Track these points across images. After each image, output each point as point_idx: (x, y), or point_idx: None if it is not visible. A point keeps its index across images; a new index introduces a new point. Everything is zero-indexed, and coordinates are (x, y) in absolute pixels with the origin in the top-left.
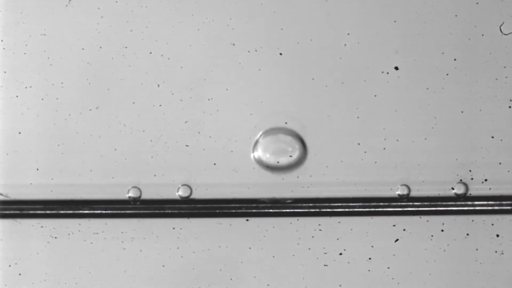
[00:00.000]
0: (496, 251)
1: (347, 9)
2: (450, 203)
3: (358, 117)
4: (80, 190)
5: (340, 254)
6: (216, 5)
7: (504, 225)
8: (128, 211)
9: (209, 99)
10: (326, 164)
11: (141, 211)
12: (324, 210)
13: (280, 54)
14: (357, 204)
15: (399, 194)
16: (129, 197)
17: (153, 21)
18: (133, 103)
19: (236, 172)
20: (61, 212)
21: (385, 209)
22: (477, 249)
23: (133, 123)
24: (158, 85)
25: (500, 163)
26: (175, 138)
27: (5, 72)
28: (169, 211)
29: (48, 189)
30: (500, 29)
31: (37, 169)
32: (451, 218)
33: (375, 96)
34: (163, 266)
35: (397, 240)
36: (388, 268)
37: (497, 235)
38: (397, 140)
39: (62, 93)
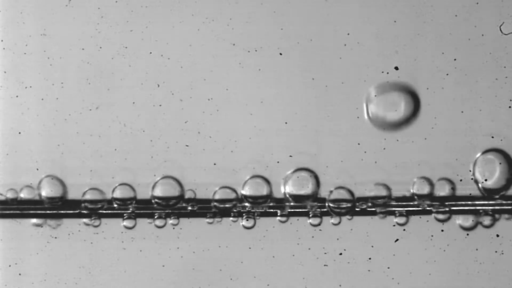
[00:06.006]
0: (496, 251)
1: (347, 9)
2: (450, 203)
3: (358, 117)
4: (80, 190)
5: (340, 254)
6: (216, 5)
7: (504, 225)
8: (127, 211)
9: (209, 99)
10: (326, 164)
11: (141, 211)
12: (324, 210)
13: (280, 54)
14: (357, 204)
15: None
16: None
17: (153, 21)
18: (133, 103)
19: (236, 172)
20: (61, 212)
21: (385, 209)
22: (477, 249)
23: (133, 123)
24: (158, 85)
25: (500, 163)
26: (175, 138)
27: (5, 72)
28: (169, 211)
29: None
30: (500, 29)
31: (37, 169)
32: (451, 218)
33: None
34: (163, 266)
35: (397, 240)
36: (388, 268)
37: (497, 235)
38: (397, 140)
39: (62, 93)
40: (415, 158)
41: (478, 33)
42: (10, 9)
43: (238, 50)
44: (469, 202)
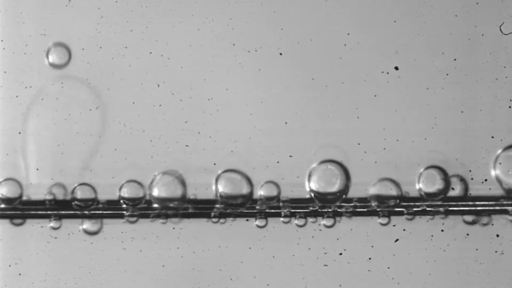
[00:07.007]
0: (496, 251)
1: (347, 9)
2: (450, 203)
3: (358, 117)
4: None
5: (340, 254)
6: (216, 5)
7: (504, 225)
8: (128, 211)
9: (209, 99)
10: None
11: (141, 211)
12: (325, 210)
13: (280, 54)
14: (357, 204)
15: (399, 194)
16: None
17: (153, 21)
18: (133, 103)
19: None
20: (61, 212)
21: (385, 209)
22: (477, 249)
23: (133, 123)
24: (158, 85)
25: (500, 163)
26: (175, 138)
27: (5, 72)
28: (169, 211)
29: (48, 189)
30: (500, 29)
31: (37, 169)
32: (451, 218)
33: (375, 96)
34: (163, 266)
35: (397, 240)
36: (388, 268)
37: (497, 235)
38: (397, 140)
39: (62, 93)
40: (415, 158)
41: (478, 33)
42: (10, 9)
43: (238, 50)
44: (469, 202)
